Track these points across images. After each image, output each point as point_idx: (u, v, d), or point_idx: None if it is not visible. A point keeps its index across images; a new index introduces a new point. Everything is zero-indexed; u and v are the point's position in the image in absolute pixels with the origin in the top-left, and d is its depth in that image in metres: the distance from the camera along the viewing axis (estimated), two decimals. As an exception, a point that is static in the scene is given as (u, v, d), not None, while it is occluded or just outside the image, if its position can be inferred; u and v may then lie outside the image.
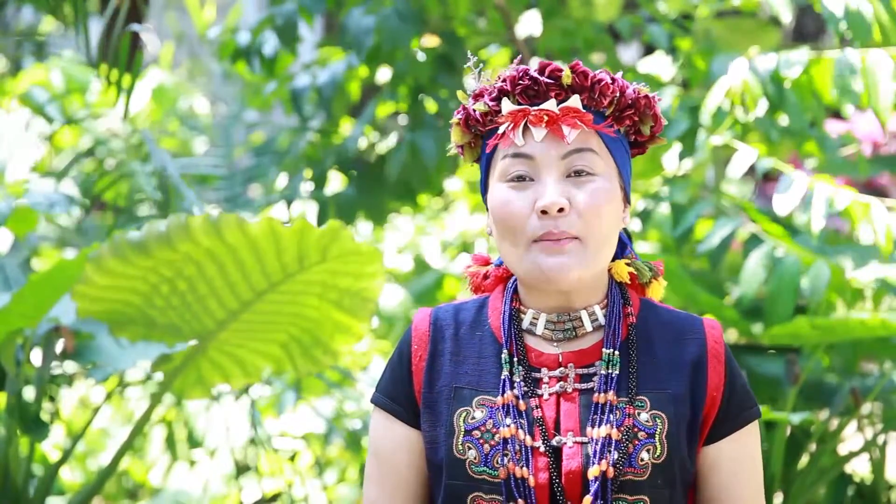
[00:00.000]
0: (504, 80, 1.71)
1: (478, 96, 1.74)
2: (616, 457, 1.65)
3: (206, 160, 4.58)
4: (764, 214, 3.15)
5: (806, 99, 2.91)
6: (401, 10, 3.36)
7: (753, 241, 3.03)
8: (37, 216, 3.26)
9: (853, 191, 2.82)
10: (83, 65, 4.50)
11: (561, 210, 1.65)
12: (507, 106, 1.69)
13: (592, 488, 1.64)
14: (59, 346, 2.85)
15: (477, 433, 1.69)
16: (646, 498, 1.66)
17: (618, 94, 1.70)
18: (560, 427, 1.68)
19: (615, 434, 1.66)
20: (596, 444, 1.66)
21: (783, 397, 3.03)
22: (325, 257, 2.56)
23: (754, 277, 2.93)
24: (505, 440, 1.67)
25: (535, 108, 1.68)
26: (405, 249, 4.57)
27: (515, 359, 1.71)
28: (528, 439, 1.67)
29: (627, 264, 1.77)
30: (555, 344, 1.73)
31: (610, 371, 1.69)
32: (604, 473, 1.65)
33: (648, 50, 5.76)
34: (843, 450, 3.25)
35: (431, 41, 3.59)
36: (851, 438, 3.46)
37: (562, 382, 1.70)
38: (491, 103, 1.71)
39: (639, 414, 1.68)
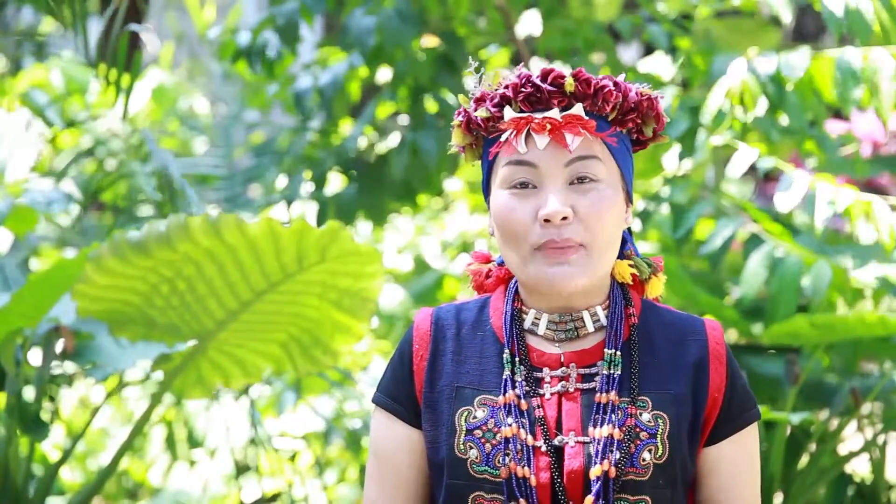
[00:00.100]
0: (506, 87, 1.70)
1: (479, 101, 1.73)
2: (618, 457, 1.65)
3: (206, 160, 4.58)
4: (764, 214, 3.15)
5: (807, 98, 2.90)
6: (401, 11, 3.36)
7: (754, 241, 3.03)
8: (36, 216, 3.26)
9: (854, 189, 2.82)
10: (83, 65, 4.50)
11: (564, 218, 1.65)
12: (509, 113, 1.69)
13: (594, 488, 1.64)
14: (59, 346, 2.85)
15: (478, 432, 1.69)
16: (647, 498, 1.67)
17: (621, 100, 1.70)
18: (562, 427, 1.68)
19: (617, 434, 1.66)
20: (598, 443, 1.66)
21: (783, 397, 3.03)
22: (324, 257, 2.56)
23: (755, 278, 2.93)
24: (506, 440, 1.67)
25: (539, 116, 1.67)
26: (405, 249, 4.57)
27: (517, 358, 1.71)
28: (530, 439, 1.67)
29: (630, 265, 1.77)
30: (556, 344, 1.73)
31: (612, 371, 1.69)
32: (606, 473, 1.65)
33: (648, 50, 5.76)
34: (843, 450, 3.25)
35: (431, 41, 3.59)
36: (851, 438, 3.46)
37: (563, 382, 1.70)
38: (493, 109, 1.71)
39: (640, 414, 1.68)
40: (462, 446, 1.69)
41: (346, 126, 3.96)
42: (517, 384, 1.70)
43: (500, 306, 1.76)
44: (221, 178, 4.36)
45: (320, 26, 7.89)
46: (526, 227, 1.67)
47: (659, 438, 1.67)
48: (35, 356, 2.89)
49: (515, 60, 3.89)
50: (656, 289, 1.80)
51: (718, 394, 1.71)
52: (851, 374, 3.21)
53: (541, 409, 1.69)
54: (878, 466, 3.11)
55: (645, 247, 3.55)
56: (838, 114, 4.02)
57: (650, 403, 1.69)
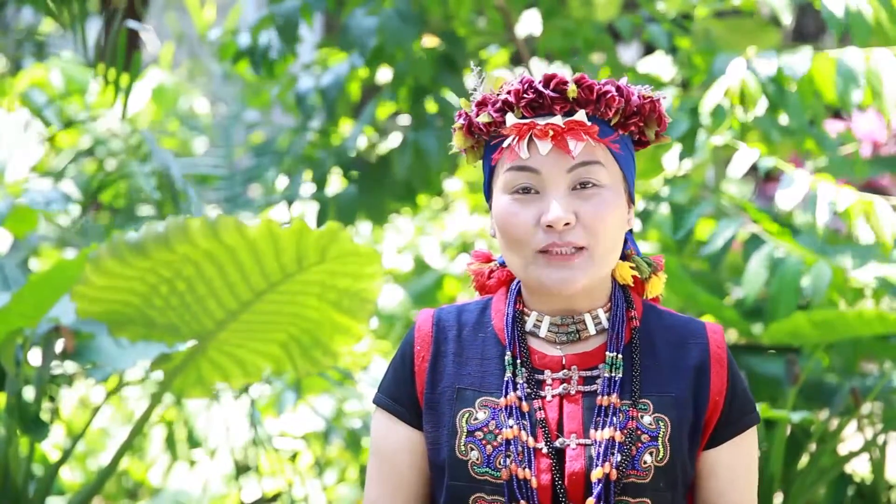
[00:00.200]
0: (509, 93, 1.70)
1: (481, 105, 1.73)
2: (619, 459, 1.65)
3: (206, 160, 4.59)
4: (764, 214, 3.15)
5: (807, 98, 2.90)
6: (402, 11, 3.36)
7: (754, 241, 3.03)
8: (36, 216, 3.26)
9: (854, 190, 2.82)
10: (82, 65, 4.50)
11: (566, 224, 1.65)
12: (511, 118, 1.69)
13: (595, 490, 1.65)
14: (59, 346, 2.85)
15: (479, 434, 1.69)
16: (648, 500, 1.67)
17: (623, 104, 1.70)
18: (563, 429, 1.68)
19: (618, 436, 1.66)
20: (599, 446, 1.66)
21: (783, 397, 3.03)
22: (323, 258, 2.56)
23: (756, 278, 2.93)
24: (508, 441, 1.67)
25: (541, 122, 1.67)
26: (405, 249, 4.57)
27: (518, 361, 1.71)
28: (531, 441, 1.67)
29: (631, 266, 1.77)
30: (558, 346, 1.73)
31: (613, 374, 1.69)
32: (607, 476, 1.65)
33: (648, 50, 5.75)
34: (843, 450, 3.25)
35: (431, 41, 3.59)
36: (851, 438, 3.46)
37: (565, 384, 1.70)
38: (495, 115, 1.71)
39: (642, 417, 1.68)
40: (463, 448, 1.69)
41: (346, 126, 3.96)
42: (518, 386, 1.70)
43: (501, 308, 1.76)
44: (221, 178, 4.36)
45: (320, 26, 7.89)
46: (528, 231, 1.67)
47: (660, 441, 1.67)
48: (35, 356, 2.89)
49: (515, 60, 3.89)
50: (657, 288, 1.80)
51: (719, 397, 1.71)
52: (851, 373, 3.21)
53: (542, 411, 1.69)
54: (878, 466, 3.11)
55: (645, 247, 3.55)
56: (838, 113, 4.02)
57: (651, 406, 1.69)
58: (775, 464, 2.86)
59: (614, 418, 1.67)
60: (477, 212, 4.57)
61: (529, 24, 3.65)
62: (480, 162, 1.78)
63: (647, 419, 1.68)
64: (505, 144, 1.69)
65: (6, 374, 2.77)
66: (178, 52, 6.59)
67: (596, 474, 1.65)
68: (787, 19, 2.98)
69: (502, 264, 1.83)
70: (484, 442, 1.69)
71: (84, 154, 3.92)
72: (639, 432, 1.67)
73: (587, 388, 1.70)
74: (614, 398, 1.68)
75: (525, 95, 1.69)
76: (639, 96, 1.71)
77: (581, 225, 1.66)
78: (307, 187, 3.76)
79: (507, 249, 1.70)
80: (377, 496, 1.77)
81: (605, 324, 1.73)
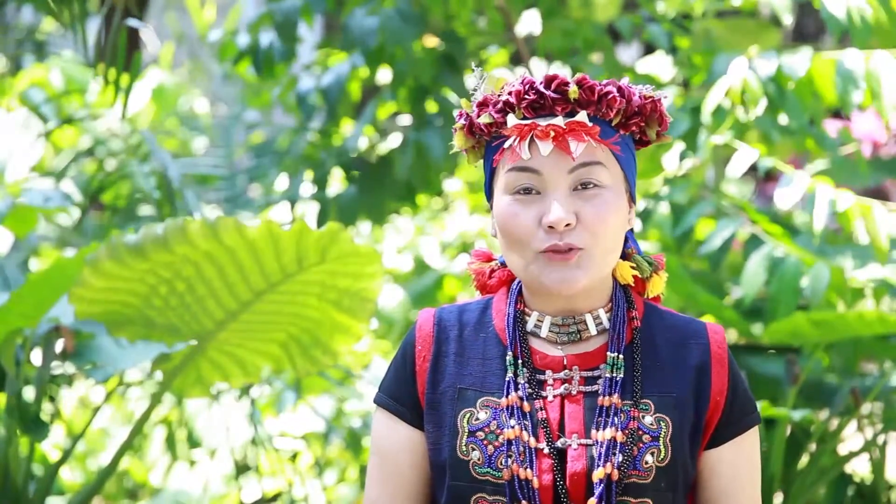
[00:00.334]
0: (510, 93, 1.70)
1: (482, 105, 1.73)
2: (620, 459, 1.65)
3: (207, 160, 4.59)
4: (764, 215, 3.15)
5: (806, 99, 2.91)
6: (402, 11, 3.36)
7: (754, 241, 3.03)
8: (36, 216, 3.26)
9: (851, 193, 2.83)
10: (83, 65, 4.50)
11: (567, 225, 1.65)
12: (512, 119, 1.69)
13: (597, 491, 1.65)
14: (59, 346, 2.85)
15: (481, 434, 1.69)
16: (649, 501, 1.67)
17: (624, 105, 1.70)
18: (564, 429, 1.68)
19: (620, 437, 1.66)
20: (600, 446, 1.66)
21: (783, 397, 3.03)
22: (324, 259, 2.56)
23: (755, 278, 2.93)
24: (509, 441, 1.67)
25: (542, 123, 1.67)
26: (405, 249, 4.57)
27: (520, 361, 1.71)
28: (533, 441, 1.67)
29: (632, 266, 1.77)
30: (559, 346, 1.73)
31: (614, 374, 1.69)
32: (608, 476, 1.65)
33: (648, 50, 5.75)
34: (843, 450, 3.26)
35: (431, 41, 3.59)
36: (851, 438, 3.46)
37: (566, 385, 1.70)
38: (496, 115, 1.71)
39: (643, 417, 1.68)
40: (464, 448, 1.69)
41: (346, 126, 3.96)
42: (520, 386, 1.70)
43: (502, 308, 1.76)
44: (221, 178, 4.36)
45: (320, 26, 7.88)
46: (529, 232, 1.67)
47: (661, 441, 1.67)
48: (35, 356, 2.89)
49: (515, 60, 3.89)
50: (658, 287, 1.80)
51: (720, 397, 1.71)
52: (851, 373, 3.21)
53: (543, 411, 1.68)
54: (878, 466, 3.11)
55: (645, 246, 3.55)
56: (837, 113, 4.02)
57: (652, 406, 1.69)
58: (775, 464, 2.86)
59: (616, 418, 1.67)
60: (477, 212, 4.57)
61: (529, 24, 3.65)
62: (481, 162, 1.78)
63: (648, 419, 1.68)
64: (506, 145, 1.69)
65: (6, 374, 2.77)
66: (178, 52, 6.59)
67: (597, 474, 1.65)
68: (788, 19, 2.98)
69: (503, 264, 1.83)
70: (485, 442, 1.69)
71: (84, 154, 3.92)
72: (640, 432, 1.67)
73: (588, 389, 1.70)
74: (615, 398, 1.68)
75: (526, 96, 1.69)
76: (640, 96, 1.71)
77: (582, 226, 1.66)
78: (308, 187, 3.76)
79: (508, 250, 1.70)
80: (377, 496, 1.76)
81: (606, 324, 1.73)
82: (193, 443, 4.02)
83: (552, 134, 1.66)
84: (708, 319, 2.00)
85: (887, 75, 2.76)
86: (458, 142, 1.76)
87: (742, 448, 1.73)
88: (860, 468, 3.34)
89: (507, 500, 1.67)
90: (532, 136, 1.67)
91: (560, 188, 1.67)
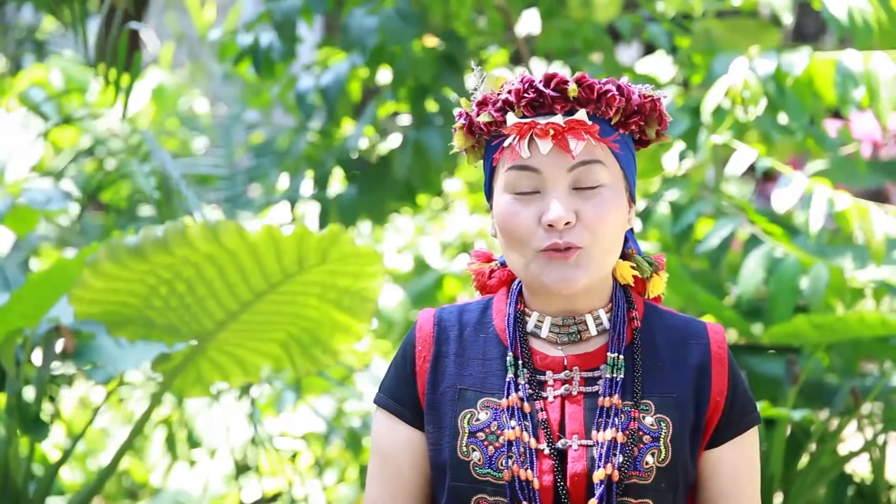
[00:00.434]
0: (509, 92, 1.70)
1: (481, 104, 1.73)
2: (621, 460, 1.65)
3: (207, 160, 4.59)
4: (763, 215, 3.15)
5: (806, 99, 2.91)
6: (402, 10, 3.36)
7: (754, 241, 3.03)
8: (37, 216, 3.26)
9: (849, 195, 2.83)
10: (83, 64, 4.50)
11: (567, 223, 1.65)
12: (511, 118, 1.68)
13: (597, 491, 1.64)
14: (59, 347, 2.85)
15: (481, 435, 1.69)
16: (649, 501, 1.67)
17: (624, 104, 1.70)
18: (565, 430, 1.68)
19: (620, 437, 1.66)
20: (601, 447, 1.66)
21: (783, 397, 3.03)
22: (324, 260, 2.56)
23: (752, 277, 2.93)
24: (509, 442, 1.67)
25: (542, 121, 1.67)
26: (405, 249, 4.57)
27: (520, 361, 1.71)
28: (533, 442, 1.67)
29: (632, 266, 1.77)
30: (559, 347, 1.73)
31: (615, 375, 1.69)
32: (609, 477, 1.65)
33: (649, 49, 5.75)
34: (843, 450, 3.26)
35: (431, 41, 3.59)
36: (851, 438, 3.46)
37: (567, 385, 1.70)
38: (496, 114, 1.71)
39: (643, 418, 1.68)
40: (465, 449, 1.69)
41: (347, 126, 3.96)
42: (520, 387, 1.70)
43: (502, 308, 1.76)
44: (221, 178, 4.36)
45: (320, 26, 7.88)
46: (529, 231, 1.67)
47: (662, 442, 1.67)
48: (35, 356, 2.89)
49: (515, 60, 3.89)
50: (658, 287, 1.80)
51: (720, 397, 1.71)
52: (851, 374, 3.21)
53: (544, 412, 1.68)
54: (878, 466, 3.11)
55: (645, 247, 3.54)
56: (837, 113, 4.02)
57: (653, 407, 1.69)
58: (775, 464, 2.86)
59: (616, 419, 1.67)
60: (477, 212, 4.58)
61: (529, 23, 3.65)
62: (481, 162, 1.78)
63: (648, 420, 1.68)
64: (506, 144, 1.69)
65: (6, 374, 2.77)
66: (178, 52, 6.59)
67: (598, 475, 1.65)
68: (788, 19, 2.98)
69: (503, 264, 1.83)
70: (486, 443, 1.69)
71: (84, 154, 3.92)
72: (640, 433, 1.67)
73: (589, 389, 1.70)
74: (616, 399, 1.68)
75: (526, 95, 1.69)
76: (639, 95, 1.71)
77: (582, 224, 1.66)
78: (308, 188, 3.76)
79: (508, 249, 1.70)
80: (378, 496, 1.76)
81: (607, 324, 1.73)
82: (193, 443, 4.02)
83: (552, 132, 1.66)
84: (708, 319, 2.00)
85: (885, 76, 2.76)
86: (458, 141, 1.76)
87: (742, 448, 1.73)
88: (860, 468, 3.34)
89: (507, 501, 1.67)
90: (531, 135, 1.67)
91: (560, 187, 1.67)
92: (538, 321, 1.73)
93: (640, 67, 3.58)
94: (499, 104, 1.71)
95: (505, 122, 1.69)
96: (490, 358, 1.73)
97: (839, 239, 3.44)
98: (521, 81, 1.70)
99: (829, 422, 3.07)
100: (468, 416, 1.71)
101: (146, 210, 3.97)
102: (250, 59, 3.57)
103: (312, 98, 3.58)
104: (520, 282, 1.77)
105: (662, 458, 1.67)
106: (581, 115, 1.67)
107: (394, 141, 3.74)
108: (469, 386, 1.72)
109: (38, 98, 4.04)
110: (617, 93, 1.69)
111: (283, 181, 3.97)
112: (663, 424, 1.68)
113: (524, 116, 1.69)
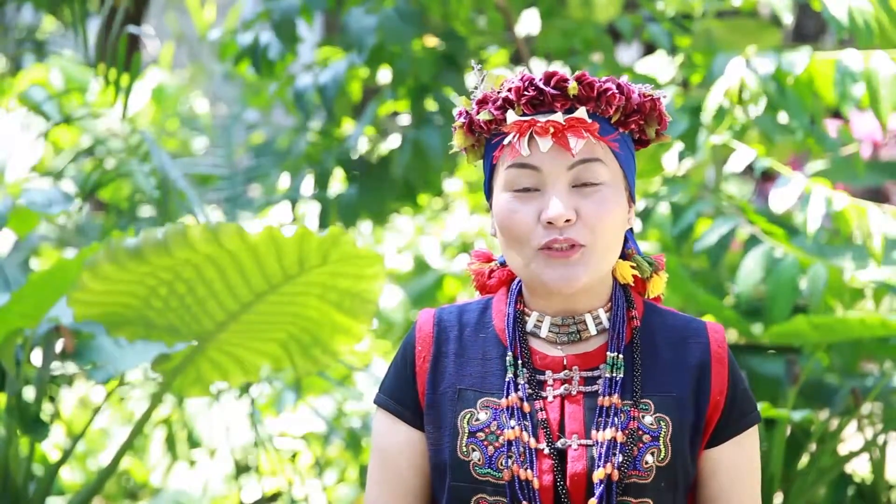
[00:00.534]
0: (509, 90, 1.70)
1: (481, 103, 1.73)
2: (621, 459, 1.65)
3: (207, 160, 4.59)
4: (763, 215, 3.15)
5: (806, 98, 2.91)
6: (402, 10, 3.36)
7: (754, 241, 3.03)
8: (37, 216, 3.26)
9: (848, 195, 2.83)
10: (83, 64, 4.50)
11: (567, 221, 1.65)
12: (511, 116, 1.68)
13: (597, 491, 1.65)
14: (59, 347, 2.85)
15: (481, 435, 1.69)
16: (649, 501, 1.67)
17: (624, 102, 1.70)
18: (564, 430, 1.68)
19: (620, 437, 1.66)
20: (601, 446, 1.66)
21: (783, 397, 3.03)
22: (325, 261, 2.56)
23: (751, 276, 2.93)
24: (509, 442, 1.67)
25: (542, 119, 1.67)
26: (405, 249, 4.57)
27: (520, 361, 1.71)
28: (533, 441, 1.67)
29: (632, 265, 1.77)
30: (559, 347, 1.73)
31: (614, 374, 1.69)
32: (608, 476, 1.65)
33: (649, 49, 5.75)
34: (843, 450, 3.26)
35: (431, 41, 3.59)
36: (851, 438, 3.46)
37: (566, 385, 1.70)
38: (496, 112, 1.71)
39: (643, 417, 1.68)
40: (465, 449, 1.69)
41: (347, 126, 3.96)
42: (520, 387, 1.70)
43: (502, 308, 1.76)
44: (222, 178, 4.36)
45: (320, 26, 7.88)
46: (529, 229, 1.67)
47: (661, 441, 1.67)
48: (35, 356, 2.89)
49: (515, 60, 3.89)
50: (658, 287, 1.80)
51: (720, 396, 1.71)
52: (851, 374, 3.21)
53: (543, 411, 1.68)
54: (878, 466, 3.12)
55: (645, 247, 3.54)
56: (837, 113, 4.02)
57: (652, 406, 1.69)
58: (775, 464, 2.86)
59: (616, 419, 1.67)
60: (477, 212, 4.58)
61: (529, 23, 3.65)
62: (481, 161, 1.78)
63: (648, 419, 1.68)
64: (506, 142, 1.69)
65: (6, 374, 2.77)
66: (178, 52, 6.59)
67: (598, 475, 1.65)
68: (788, 19, 2.98)
69: (503, 264, 1.83)
70: (485, 443, 1.69)
71: (84, 154, 3.92)
72: (640, 432, 1.67)
73: (588, 389, 1.70)
74: (615, 398, 1.68)
75: (526, 93, 1.69)
76: (639, 94, 1.71)
77: (581, 222, 1.66)
78: (308, 188, 3.76)
79: (508, 247, 1.70)
80: (378, 496, 1.76)
81: (606, 324, 1.73)
82: (193, 443, 4.03)
83: (551, 130, 1.66)
84: (708, 319, 2.00)
85: (885, 76, 2.76)
86: (458, 140, 1.76)
87: (742, 447, 1.73)
88: (860, 468, 3.34)
89: (507, 501, 1.67)
90: (531, 133, 1.67)
91: (559, 184, 1.67)
92: (538, 321, 1.73)
93: (640, 67, 3.58)
94: (499, 102, 1.71)
95: (505, 120, 1.69)
96: (490, 358, 1.73)
97: (839, 239, 3.44)
98: (522, 79, 1.70)
99: (829, 422, 3.07)
100: (468, 416, 1.71)
101: (146, 210, 3.97)
102: (250, 59, 3.57)
103: (311, 97, 3.57)
104: (519, 282, 1.77)
105: (662, 457, 1.67)
106: (581, 113, 1.67)
107: (394, 141, 3.74)
108: (469, 386, 1.72)
109: (38, 98, 4.03)
110: (617, 91, 1.69)
111: (283, 181, 3.97)
112: (663, 424, 1.68)
113: (524, 114, 1.69)
